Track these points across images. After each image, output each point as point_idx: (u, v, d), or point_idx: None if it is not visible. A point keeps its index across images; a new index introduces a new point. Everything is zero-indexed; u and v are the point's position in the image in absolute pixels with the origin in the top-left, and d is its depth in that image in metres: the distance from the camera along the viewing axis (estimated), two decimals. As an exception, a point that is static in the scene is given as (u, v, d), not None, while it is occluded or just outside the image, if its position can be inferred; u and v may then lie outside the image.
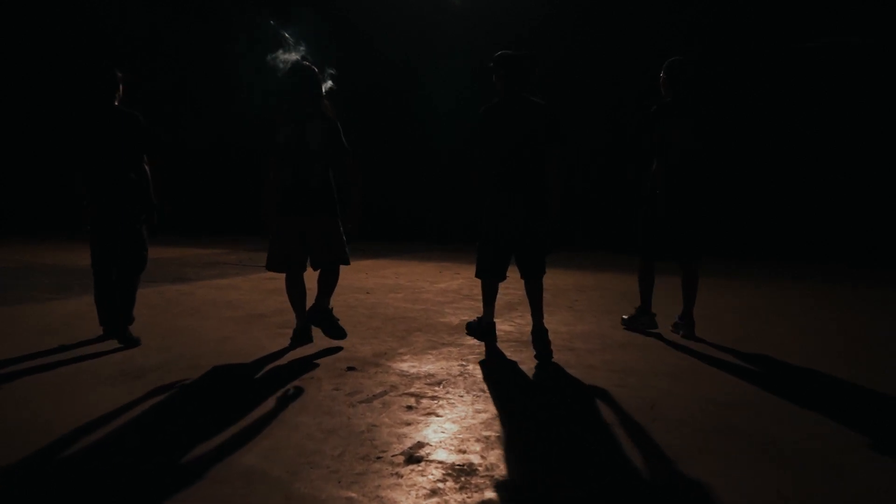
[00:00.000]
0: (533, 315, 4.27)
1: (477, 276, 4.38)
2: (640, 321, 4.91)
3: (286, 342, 4.41)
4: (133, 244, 4.38)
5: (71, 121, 4.30)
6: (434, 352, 4.18)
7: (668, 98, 4.61)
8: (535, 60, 4.20)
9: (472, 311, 5.53)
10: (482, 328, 4.43)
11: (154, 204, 4.46)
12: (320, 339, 4.45)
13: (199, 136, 13.74)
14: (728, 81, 10.92)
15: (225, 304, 5.74)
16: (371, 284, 7.01)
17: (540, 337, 4.15)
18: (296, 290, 4.40)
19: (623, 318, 5.08)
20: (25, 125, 15.48)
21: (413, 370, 3.75)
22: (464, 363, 3.92)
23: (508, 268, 4.34)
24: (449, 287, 6.81)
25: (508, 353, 4.21)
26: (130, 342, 4.25)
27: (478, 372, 3.75)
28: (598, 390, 3.41)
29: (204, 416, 2.96)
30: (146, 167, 4.39)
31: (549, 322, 5.08)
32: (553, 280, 7.37)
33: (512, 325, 5.04)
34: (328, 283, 4.34)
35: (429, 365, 3.87)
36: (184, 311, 5.38)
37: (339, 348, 4.24)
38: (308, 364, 3.86)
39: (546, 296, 6.33)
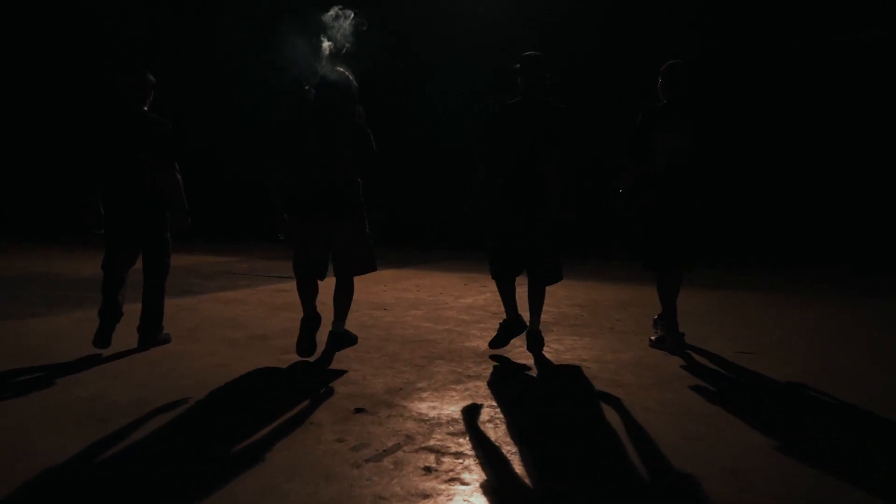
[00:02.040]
0: (531, 317, 4.28)
1: (493, 278, 4.40)
2: (668, 343, 4.46)
3: (283, 372, 3.81)
4: (156, 251, 4.34)
5: (94, 124, 4.19)
6: (458, 387, 3.55)
7: (664, 101, 4.44)
8: (547, 63, 4.20)
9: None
10: (504, 330, 4.34)
11: (186, 209, 4.35)
12: (326, 370, 3.85)
13: (203, 136, 13.40)
14: (728, 81, 10.68)
15: (226, 323, 5.17)
16: (389, 299, 6.41)
17: (534, 338, 4.23)
18: (307, 290, 4.23)
19: (650, 340, 4.67)
20: (25, 127, 15.23)
21: (433, 413, 3.12)
22: (493, 403, 3.28)
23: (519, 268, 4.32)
24: (475, 303, 6.18)
25: (547, 392, 3.56)
26: (162, 341, 4.43)
27: (511, 416, 3.10)
28: (665, 445, 2.75)
29: (167, 483, 2.36)
30: (177, 174, 4.30)
31: (590, 347, 4.47)
32: (589, 295, 6.71)
33: (548, 350, 4.38)
34: (342, 303, 4.19)
35: (452, 406, 3.23)
36: (179, 332, 4.81)
37: (349, 380, 3.63)
38: (309, 402, 3.25)
39: (583, 314, 5.73)
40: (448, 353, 4.30)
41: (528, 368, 3.98)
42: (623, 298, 6.57)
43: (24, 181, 15.76)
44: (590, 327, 5.19)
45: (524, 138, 4.11)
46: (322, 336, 4.19)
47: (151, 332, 4.38)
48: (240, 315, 5.49)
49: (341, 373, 3.79)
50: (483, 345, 4.54)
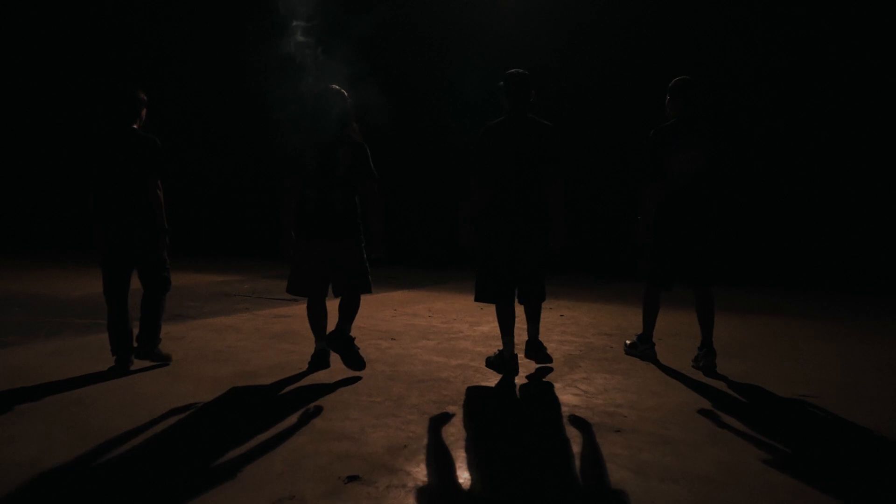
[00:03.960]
0: (529, 329, 4.27)
1: (476, 300, 4.28)
2: (640, 349, 4.68)
3: (269, 422, 3.24)
4: (152, 267, 4.28)
5: (88, 142, 4.22)
6: (474, 446, 2.96)
7: (673, 119, 4.42)
8: (532, 80, 4.15)
9: (523, 367, 4.32)
10: (503, 362, 4.19)
11: (165, 228, 4.27)
12: (319, 420, 3.28)
13: (205, 146, 13.05)
14: (748, 92, 10.42)
15: (213, 356, 4.62)
16: (398, 327, 5.83)
17: (535, 348, 4.24)
18: (316, 314, 4.29)
19: (625, 344, 4.88)
20: (25, 135, 14.95)
21: (443, 483, 2.54)
22: (517, 471, 2.69)
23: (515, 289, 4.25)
24: (492, 331, 5.57)
25: (581, 450, 2.97)
26: (159, 358, 4.29)
27: (539, 491, 2.52)
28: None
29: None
30: (159, 192, 4.24)
31: (625, 388, 3.87)
32: (617, 322, 6.10)
33: (577, 392, 3.79)
34: (349, 309, 4.14)
35: (466, 473, 2.65)
36: (157, 367, 4.28)
37: (344, 433, 3.06)
38: (292, 466, 2.68)
39: (612, 345, 5.11)
40: (462, 396, 3.72)
41: (557, 418, 3.38)
42: (659, 326, 5.91)
43: (24, 193, 15.45)
44: (621, 362, 4.59)
45: (513, 156, 4.05)
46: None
47: (148, 345, 4.27)
48: (231, 346, 4.94)
49: (336, 422, 3.22)
50: (504, 385, 3.96)
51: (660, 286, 4.57)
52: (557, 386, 3.94)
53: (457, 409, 3.46)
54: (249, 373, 4.19)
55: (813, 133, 10.16)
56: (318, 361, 4.28)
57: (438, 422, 3.26)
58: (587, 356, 4.74)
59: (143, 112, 4.34)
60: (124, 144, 4.16)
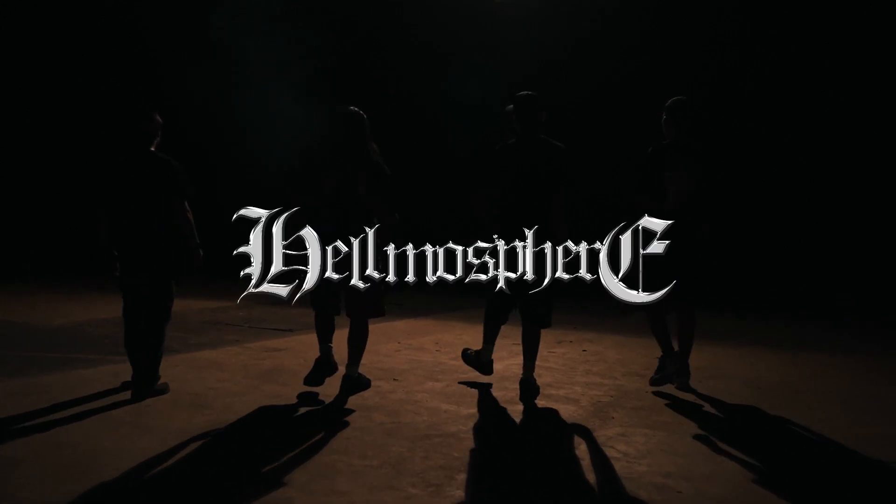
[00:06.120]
0: (525, 364, 4.18)
1: (486, 319, 4.35)
2: (667, 374, 4.32)
3: (236, 493, 2.63)
4: (159, 295, 4.16)
5: (103, 166, 4.19)
6: (492, 534, 2.34)
7: (669, 139, 4.40)
8: (541, 101, 4.19)
9: (548, 421, 3.69)
10: (480, 362, 4.38)
11: (198, 243, 4.23)
12: (299, 493, 2.66)
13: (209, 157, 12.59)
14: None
15: (189, 401, 4.01)
16: (401, 363, 5.20)
17: (527, 387, 4.08)
18: (324, 325, 4.19)
19: (651, 379, 4.41)
20: (21, 152, 14.56)
21: None
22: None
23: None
24: (508, 370, 4.88)
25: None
26: (158, 393, 4.09)
27: None
28: None
29: None
30: (188, 214, 4.17)
31: (672, 451, 3.19)
32: (648, 358, 5.38)
33: (615, 455, 3.15)
34: (357, 346, 4.13)
35: (483, 581, 2.02)
36: (126, 414, 3.71)
37: (328, 515, 2.45)
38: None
39: (648, 389, 4.42)
40: (476, 458, 3.09)
41: (596, 495, 2.75)
42: (693, 363, 5.23)
43: (22, 207, 15.03)
44: (661, 413, 3.94)
45: (528, 179, 4.06)
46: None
47: (146, 383, 4.05)
48: (210, 388, 4.32)
49: (320, 496, 2.60)
50: (527, 444, 3.33)
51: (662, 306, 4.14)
52: (590, 446, 3.30)
53: (468, 480, 2.83)
54: (226, 423, 3.58)
55: (856, 145, 9.57)
56: (320, 370, 4.07)
57: (446, 497, 2.63)
58: (620, 404, 4.10)
59: (159, 134, 4.26)
60: (142, 168, 4.10)
